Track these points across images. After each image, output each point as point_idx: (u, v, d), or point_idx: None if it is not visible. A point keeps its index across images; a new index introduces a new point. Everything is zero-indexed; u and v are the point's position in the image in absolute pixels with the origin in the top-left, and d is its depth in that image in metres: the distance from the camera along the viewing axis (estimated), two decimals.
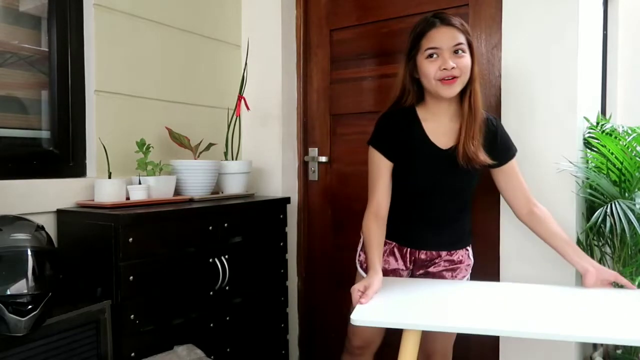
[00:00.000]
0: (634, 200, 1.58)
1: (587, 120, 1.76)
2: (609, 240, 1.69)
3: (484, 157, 1.45)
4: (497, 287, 1.51)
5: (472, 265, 1.64)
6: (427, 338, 1.61)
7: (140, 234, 1.57)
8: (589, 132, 1.75)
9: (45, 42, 1.82)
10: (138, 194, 1.78)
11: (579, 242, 1.66)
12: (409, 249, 1.59)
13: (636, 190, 1.60)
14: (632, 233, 1.52)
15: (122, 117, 1.92)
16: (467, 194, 1.58)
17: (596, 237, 1.71)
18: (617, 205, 1.52)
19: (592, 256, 1.69)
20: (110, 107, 1.89)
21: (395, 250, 1.60)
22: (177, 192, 1.97)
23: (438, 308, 1.29)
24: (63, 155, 1.81)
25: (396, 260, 1.60)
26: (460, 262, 1.60)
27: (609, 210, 1.54)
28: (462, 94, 1.46)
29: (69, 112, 1.82)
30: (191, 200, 1.95)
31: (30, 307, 1.26)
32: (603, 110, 2.34)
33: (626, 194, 1.60)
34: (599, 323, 1.16)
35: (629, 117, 2.33)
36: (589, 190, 1.64)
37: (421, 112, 1.52)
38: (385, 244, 1.57)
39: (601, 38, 2.24)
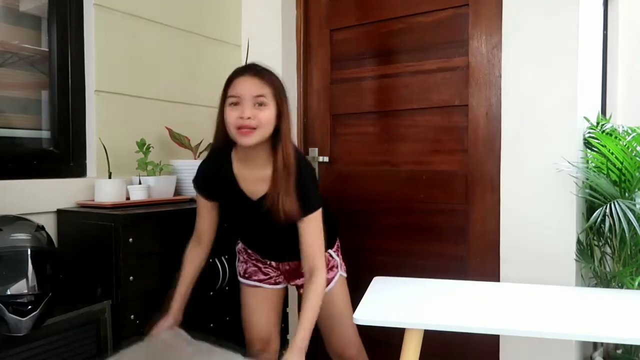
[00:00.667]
0: (634, 200, 1.58)
1: (587, 120, 1.76)
2: (609, 240, 1.69)
3: (295, 211, 1.42)
4: (497, 287, 1.52)
5: (339, 262, 1.66)
6: (331, 339, 1.65)
7: (141, 234, 1.57)
8: (589, 132, 1.75)
9: (45, 42, 1.82)
10: (138, 194, 1.78)
11: (579, 242, 1.67)
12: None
13: (636, 190, 1.60)
14: (632, 233, 1.52)
15: (122, 117, 1.92)
16: (290, 242, 1.50)
17: (596, 237, 1.71)
18: (617, 205, 1.52)
19: (592, 256, 1.70)
20: (111, 107, 1.89)
21: (259, 260, 1.69)
22: (177, 192, 1.97)
23: (439, 308, 1.29)
24: (63, 155, 1.81)
25: (265, 266, 1.69)
26: None
27: (608, 210, 1.54)
28: (275, 145, 1.42)
29: (69, 112, 1.82)
30: (191, 200, 1.95)
31: (30, 307, 1.26)
32: (603, 110, 2.35)
33: (626, 194, 1.60)
34: (599, 323, 1.16)
35: (629, 117, 2.33)
36: (588, 191, 1.64)
37: (235, 156, 1.50)
38: (252, 255, 1.69)
39: (601, 38, 2.24)
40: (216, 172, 1.52)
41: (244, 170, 1.48)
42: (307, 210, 1.44)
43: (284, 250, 1.62)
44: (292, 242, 1.48)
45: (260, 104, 1.37)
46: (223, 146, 1.49)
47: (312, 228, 1.45)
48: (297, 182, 1.42)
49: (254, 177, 1.47)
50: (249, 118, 1.35)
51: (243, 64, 2.30)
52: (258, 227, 1.56)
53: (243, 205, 1.50)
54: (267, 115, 1.37)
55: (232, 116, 1.37)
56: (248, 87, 1.37)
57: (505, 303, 1.33)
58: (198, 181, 1.57)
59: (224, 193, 1.52)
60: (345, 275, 1.69)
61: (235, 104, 1.37)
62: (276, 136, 1.41)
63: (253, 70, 1.41)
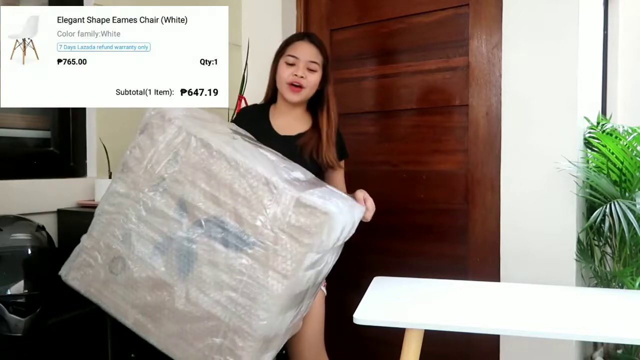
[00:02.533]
0: (635, 200, 1.58)
1: (588, 120, 1.76)
2: (609, 240, 1.69)
3: (336, 159, 1.65)
4: (497, 287, 1.52)
5: None
6: (291, 342, 1.58)
7: None
8: (589, 132, 1.75)
9: None
10: None
11: (579, 242, 1.66)
12: None
13: (636, 190, 1.60)
14: (632, 233, 1.52)
15: (122, 117, 1.92)
16: None
17: (596, 237, 1.71)
18: (616, 205, 1.52)
19: (592, 256, 1.70)
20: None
21: None
22: None
23: (439, 308, 1.29)
24: (64, 155, 1.81)
25: None
26: None
27: (607, 210, 1.54)
28: (315, 107, 1.66)
29: (69, 112, 1.82)
30: None
31: (30, 307, 1.27)
32: (603, 110, 2.34)
33: (627, 194, 1.60)
34: (600, 323, 1.16)
35: (630, 117, 2.33)
36: (588, 191, 1.64)
37: (273, 109, 1.69)
38: None
39: (601, 38, 2.24)
40: (254, 112, 1.70)
41: (278, 119, 1.66)
42: (342, 155, 1.69)
43: None
44: None
45: (312, 69, 1.58)
46: (266, 98, 1.70)
47: (342, 174, 1.70)
48: (337, 136, 1.66)
49: (286, 125, 1.65)
50: (301, 77, 1.56)
51: (243, 64, 2.32)
52: None
53: (268, 137, 1.55)
54: (315, 79, 1.60)
55: (286, 72, 1.58)
56: (306, 51, 1.59)
57: (506, 303, 1.33)
58: (236, 118, 1.73)
59: (253, 127, 1.56)
60: (325, 292, 1.66)
61: (292, 64, 1.58)
62: (315, 99, 1.64)
63: (312, 38, 1.64)
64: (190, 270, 1.14)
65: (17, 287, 1.26)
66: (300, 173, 1.27)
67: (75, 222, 1.66)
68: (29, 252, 1.30)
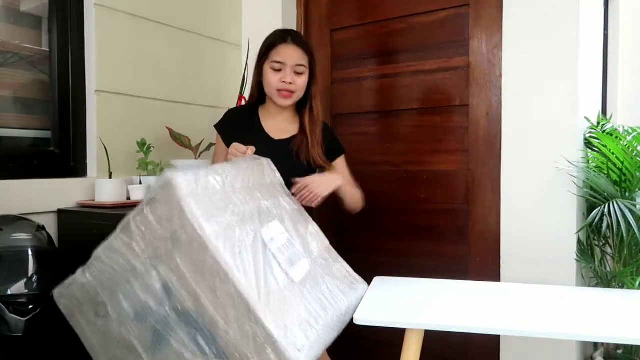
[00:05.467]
0: (635, 200, 1.58)
1: (588, 120, 1.76)
2: (609, 240, 1.69)
3: (323, 158, 1.63)
4: (497, 287, 1.52)
5: None
6: None
7: None
8: (589, 132, 1.75)
9: (46, 42, 1.82)
10: (139, 194, 1.78)
11: (579, 242, 1.66)
12: None
13: (637, 190, 1.60)
14: (632, 233, 1.52)
15: (122, 117, 1.92)
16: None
17: (597, 237, 1.71)
18: (615, 205, 1.52)
19: (592, 256, 1.70)
20: (111, 107, 1.89)
21: None
22: None
23: (439, 308, 1.29)
24: (64, 155, 1.81)
25: None
26: None
27: (606, 210, 1.54)
28: (302, 106, 1.64)
29: (69, 112, 1.82)
30: None
31: (30, 307, 1.27)
32: (604, 110, 2.34)
33: (627, 194, 1.60)
34: (600, 323, 1.16)
35: (630, 117, 2.33)
36: (587, 190, 1.64)
37: (262, 110, 1.67)
38: None
39: (602, 38, 2.24)
40: (242, 116, 1.67)
41: (269, 121, 1.64)
42: (336, 153, 1.69)
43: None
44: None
45: (299, 73, 1.56)
46: (254, 100, 1.66)
47: (344, 169, 1.70)
48: (324, 132, 1.65)
49: (278, 128, 1.63)
50: (290, 83, 1.54)
51: (243, 64, 2.32)
52: (277, 164, 1.53)
53: (266, 147, 1.54)
54: (303, 82, 1.59)
55: (274, 79, 1.55)
56: (292, 55, 1.55)
57: (506, 303, 1.33)
58: (221, 122, 1.68)
59: (244, 133, 1.57)
60: None
61: (278, 69, 1.55)
62: (303, 98, 1.62)
63: (295, 39, 1.59)
64: (159, 350, 1.15)
65: (18, 287, 1.26)
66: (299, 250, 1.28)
67: (75, 222, 1.66)
68: (29, 252, 1.30)
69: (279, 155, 1.52)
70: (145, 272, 1.14)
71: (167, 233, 1.11)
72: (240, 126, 1.63)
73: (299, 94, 1.59)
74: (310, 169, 1.62)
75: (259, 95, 1.65)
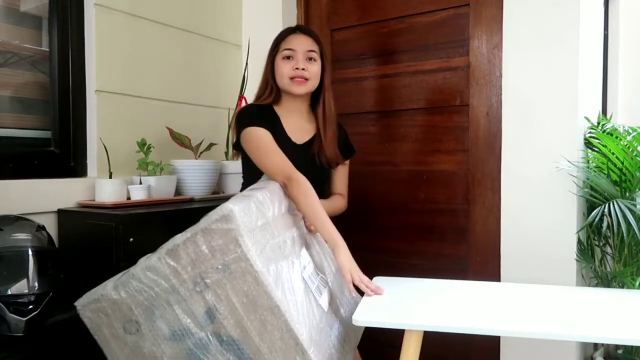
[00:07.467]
0: (635, 200, 1.58)
1: (588, 120, 1.76)
2: (609, 240, 1.69)
3: (339, 157, 1.64)
4: (497, 287, 1.51)
5: None
6: None
7: (141, 234, 1.57)
8: (589, 132, 1.75)
9: (46, 42, 1.82)
10: (139, 194, 1.78)
11: (579, 242, 1.66)
12: None
13: (637, 190, 1.60)
14: (632, 233, 1.52)
15: (122, 117, 1.92)
16: (321, 185, 1.65)
17: (597, 237, 1.71)
18: (615, 205, 1.52)
19: (592, 256, 1.70)
20: (111, 107, 1.89)
21: None
22: (177, 192, 1.97)
23: (439, 308, 1.29)
24: (64, 155, 1.82)
25: None
26: None
27: (606, 210, 1.54)
28: (315, 101, 1.63)
29: (69, 112, 1.82)
30: (192, 200, 1.95)
31: (31, 307, 1.27)
32: (604, 110, 2.34)
33: (627, 194, 1.60)
34: (600, 323, 1.16)
35: (630, 117, 2.33)
36: (587, 190, 1.64)
37: (278, 110, 1.62)
38: None
39: (602, 38, 2.24)
40: (264, 113, 1.56)
41: (288, 120, 1.60)
42: (349, 154, 1.71)
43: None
44: (325, 189, 1.68)
45: (311, 59, 1.55)
46: (267, 100, 1.60)
47: (347, 170, 1.72)
48: (339, 131, 1.66)
49: (298, 127, 1.61)
50: (303, 69, 1.52)
51: (243, 64, 2.32)
52: (302, 171, 1.46)
53: (288, 150, 1.49)
54: (317, 69, 1.57)
55: (286, 67, 1.53)
56: (302, 42, 1.55)
57: (506, 303, 1.33)
58: (252, 117, 1.51)
59: (273, 133, 1.51)
60: None
61: (289, 57, 1.54)
62: (316, 92, 1.61)
63: (303, 29, 1.62)
64: None
65: (18, 287, 1.26)
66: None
67: (76, 222, 1.66)
68: (29, 252, 1.30)
69: (302, 160, 1.51)
70: (189, 296, 1.16)
71: (218, 263, 1.12)
72: (268, 123, 1.53)
73: (313, 82, 1.56)
74: (329, 171, 1.65)
75: (276, 94, 1.58)
